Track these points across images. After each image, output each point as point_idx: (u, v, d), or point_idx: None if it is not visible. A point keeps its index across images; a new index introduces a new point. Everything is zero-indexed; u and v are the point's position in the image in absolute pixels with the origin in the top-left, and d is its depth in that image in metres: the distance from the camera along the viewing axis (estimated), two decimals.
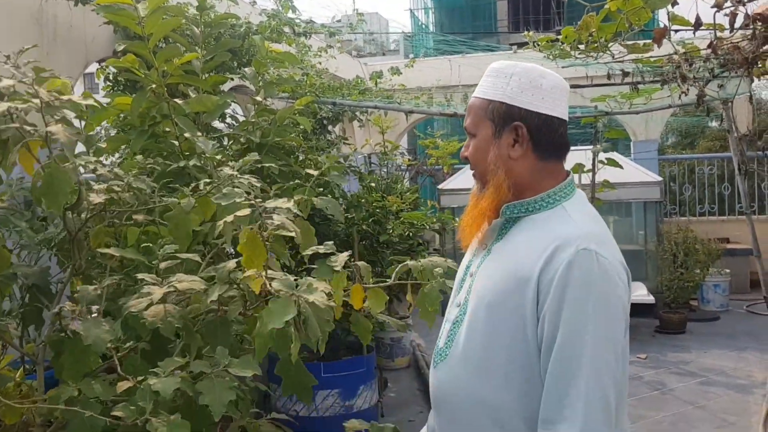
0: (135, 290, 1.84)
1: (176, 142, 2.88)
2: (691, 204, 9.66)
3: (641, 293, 6.72)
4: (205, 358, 1.66)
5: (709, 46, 2.85)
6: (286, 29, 4.44)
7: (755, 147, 5.01)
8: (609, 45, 2.95)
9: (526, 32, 3.34)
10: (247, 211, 1.64)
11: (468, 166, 1.50)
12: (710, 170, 9.58)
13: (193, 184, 2.16)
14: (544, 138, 1.38)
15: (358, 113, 6.15)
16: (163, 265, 1.85)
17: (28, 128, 1.90)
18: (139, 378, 1.51)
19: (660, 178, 7.63)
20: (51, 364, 1.75)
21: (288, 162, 3.26)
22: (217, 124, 3.78)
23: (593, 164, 6.48)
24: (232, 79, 3.67)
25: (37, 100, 1.89)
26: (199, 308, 1.78)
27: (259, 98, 3.18)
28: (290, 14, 4.71)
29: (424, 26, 27.03)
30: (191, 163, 2.47)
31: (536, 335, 1.27)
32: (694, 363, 5.86)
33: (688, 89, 3.21)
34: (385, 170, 5.56)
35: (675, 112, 10.07)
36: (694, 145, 15.67)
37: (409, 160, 7.74)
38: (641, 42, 2.84)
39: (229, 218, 1.61)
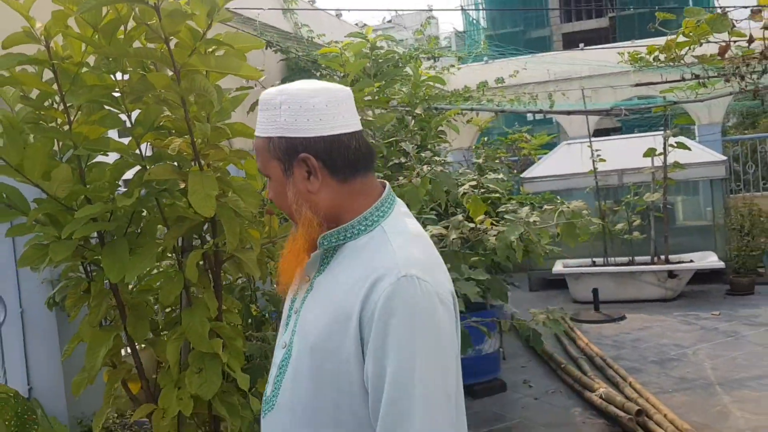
0: None
1: None
2: (754, 181, 10.35)
3: (712, 259, 7.56)
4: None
5: (760, 53, 3.82)
6: (422, 55, 5.63)
7: None
8: (683, 56, 3.96)
9: (633, 51, 4.37)
10: (474, 182, 2.75)
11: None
12: None
13: (417, 169, 3.28)
14: (338, 160, 1.24)
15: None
16: None
17: None
18: None
19: (724, 158, 8.43)
20: None
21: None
22: None
23: (664, 148, 7.41)
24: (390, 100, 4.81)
25: None
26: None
27: (418, 111, 4.30)
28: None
29: (475, 22, 27.84)
30: (397, 161, 3.61)
31: (362, 377, 1.15)
32: (763, 316, 6.71)
33: (746, 85, 4.16)
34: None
35: (735, 98, 10.78)
36: (755, 125, 16.10)
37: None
38: (708, 54, 3.84)
39: (466, 187, 2.72)
